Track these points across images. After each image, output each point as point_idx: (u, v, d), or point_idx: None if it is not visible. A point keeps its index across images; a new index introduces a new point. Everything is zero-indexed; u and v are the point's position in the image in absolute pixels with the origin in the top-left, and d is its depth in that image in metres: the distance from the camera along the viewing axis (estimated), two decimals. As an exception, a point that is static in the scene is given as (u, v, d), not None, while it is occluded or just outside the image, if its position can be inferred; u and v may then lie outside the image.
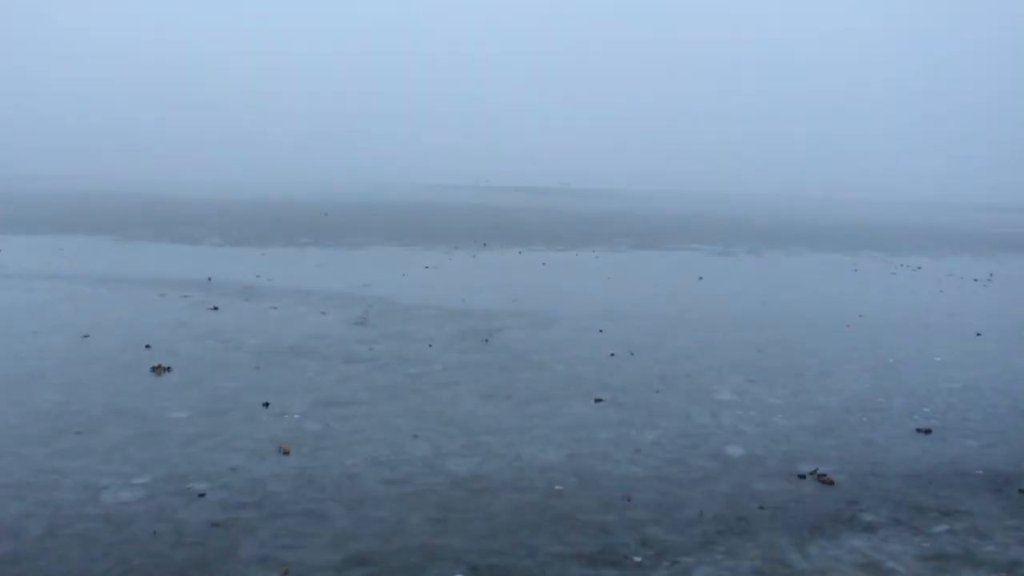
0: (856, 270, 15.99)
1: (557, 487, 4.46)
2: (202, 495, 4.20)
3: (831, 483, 4.61)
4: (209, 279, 11.87)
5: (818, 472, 4.75)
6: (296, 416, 5.50)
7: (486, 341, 8.07)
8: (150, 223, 23.69)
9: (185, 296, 10.33)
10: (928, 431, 5.59)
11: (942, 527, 4.11)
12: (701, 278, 13.81)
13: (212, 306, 9.62)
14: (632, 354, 7.63)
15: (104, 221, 24.05)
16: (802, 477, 4.69)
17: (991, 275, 15.85)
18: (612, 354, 7.61)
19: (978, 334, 9.29)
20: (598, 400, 6.08)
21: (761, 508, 4.25)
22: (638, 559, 3.67)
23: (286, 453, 4.80)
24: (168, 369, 6.61)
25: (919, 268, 16.70)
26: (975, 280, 14.91)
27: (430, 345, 7.80)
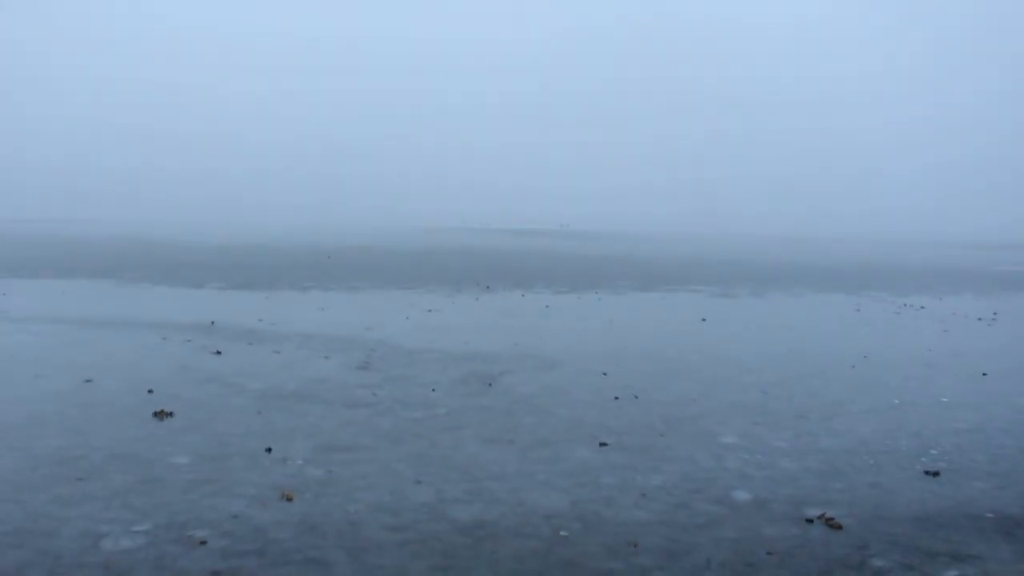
0: (859, 310, 15.98)
1: (562, 533, 4.42)
2: (203, 543, 4.17)
3: (839, 527, 4.57)
4: (212, 323, 11.89)
5: (826, 516, 4.70)
6: (298, 462, 5.47)
7: (489, 385, 8.05)
8: (152, 266, 23.79)
9: (188, 340, 10.33)
10: (936, 473, 5.55)
11: (953, 572, 4.06)
12: (703, 320, 13.81)
13: (215, 350, 9.63)
14: (636, 397, 7.61)
15: (105, 264, 24.15)
16: (809, 521, 4.65)
17: (995, 314, 15.84)
18: (616, 397, 7.59)
19: (984, 374, 9.26)
20: (602, 444, 6.04)
21: (769, 554, 4.21)
22: (645, 607, 3.63)
23: (288, 499, 4.77)
24: (170, 414, 6.60)
25: (922, 308, 16.69)
26: (979, 319, 14.89)
27: (433, 389, 7.78)
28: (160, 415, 6.56)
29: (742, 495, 5.04)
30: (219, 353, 9.48)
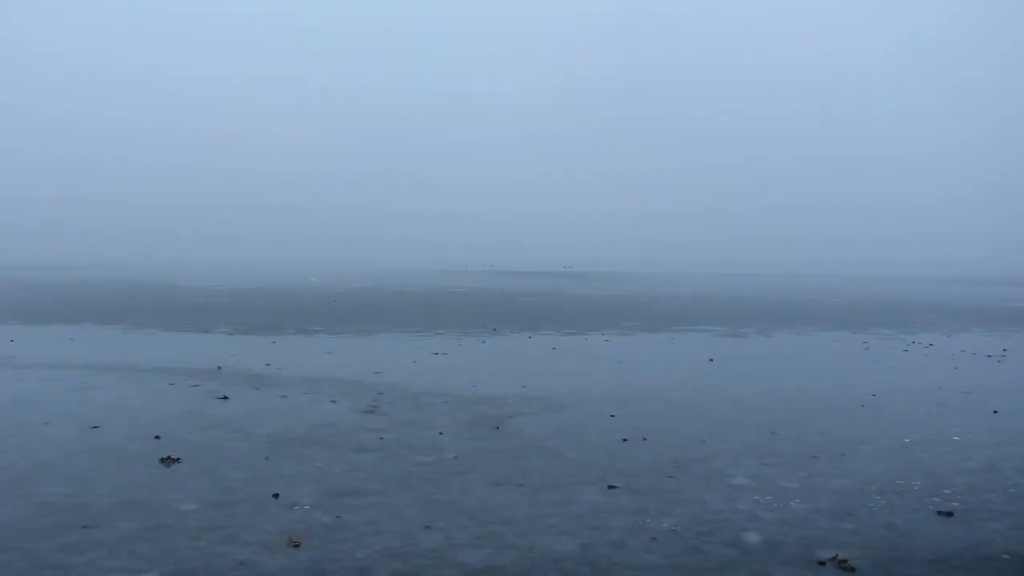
0: (867, 348, 15.93)
1: (572, 578, 4.37)
2: (211, 590, 4.14)
3: (852, 569, 4.51)
4: (219, 368, 11.90)
5: (838, 558, 4.65)
6: (306, 507, 5.45)
7: (497, 428, 8.03)
8: (159, 311, 23.89)
9: (195, 385, 10.34)
10: (950, 513, 5.49)
11: (969, 615, 4.00)
12: (711, 360, 13.77)
13: (222, 395, 9.63)
14: (644, 439, 7.57)
15: (112, 309, 24.26)
16: (822, 564, 4.59)
17: (1005, 350, 15.76)
18: (624, 440, 7.55)
19: (995, 412, 9.20)
20: (611, 487, 6.01)
21: (782, 597, 4.15)
22: (657, 653, 3.58)
23: (296, 546, 4.75)
24: (177, 460, 6.59)
25: (931, 345, 16.63)
26: (988, 356, 14.82)
27: (441, 433, 7.76)
28: (167, 461, 6.55)
29: (753, 537, 5.00)
30: (226, 398, 9.48)
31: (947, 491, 6.03)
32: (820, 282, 58.39)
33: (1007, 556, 4.77)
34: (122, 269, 69.51)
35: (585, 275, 71.04)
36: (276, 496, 5.67)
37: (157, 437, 7.39)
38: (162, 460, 6.58)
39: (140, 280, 48.28)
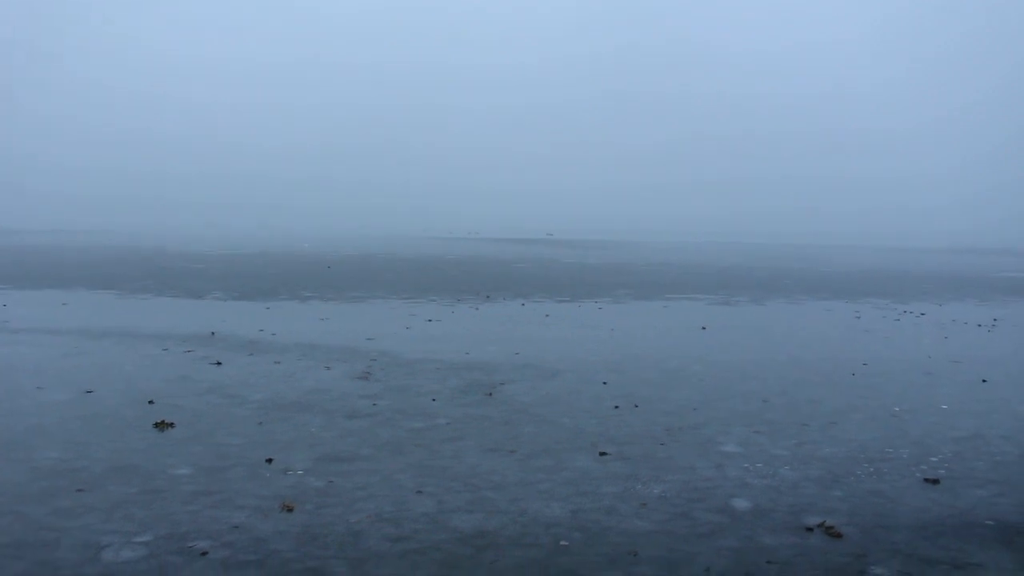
0: (859, 317, 15.99)
1: (562, 543, 4.43)
2: (204, 553, 4.18)
3: (839, 536, 4.58)
4: (212, 333, 11.90)
5: (826, 524, 4.71)
6: (299, 472, 5.49)
7: (490, 395, 8.06)
8: (152, 276, 23.82)
9: (188, 351, 10.35)
10: (936, 481, 5.56)
11: (953, 580, 4.06)
12: (704, 328, 13.82)
13: (215, 361, 9.64)
14: (636, 406, 7.62)
15: (106, 274, 24.18)
16: (809, 530, 4.65)
17: (995, 320, 15.85)
18: (616, 407, 7.60)
19: (984, 381, 9.28)
20: (603, 454, 6.06)
21: (769, 563, 4.22)
22: (645, 616, 3.63)
23: (289, 510, 4.78)
24: (171, 425, 6.61)
25: (923, 314, 16.70)
26: (979, 326, 14.90)
27: (433, 399, 7.80)
28: (161, 426, 6.58)
29: (743, 504, 5.05)
30: (220, 364, 9.49)
31: (934, 459, 6.10)
32: (814, 252, 58.44)
33: (991, 522, 4.84)
34: (119, 235, 69.21)
35: (569, 243, 70.85)
36: (269, 461, 5.70)
37: (151, 402, 7.41)
38: (156, 425, 6.60)
39: (134, 245, 48.08)
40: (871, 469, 5.82)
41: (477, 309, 16.45)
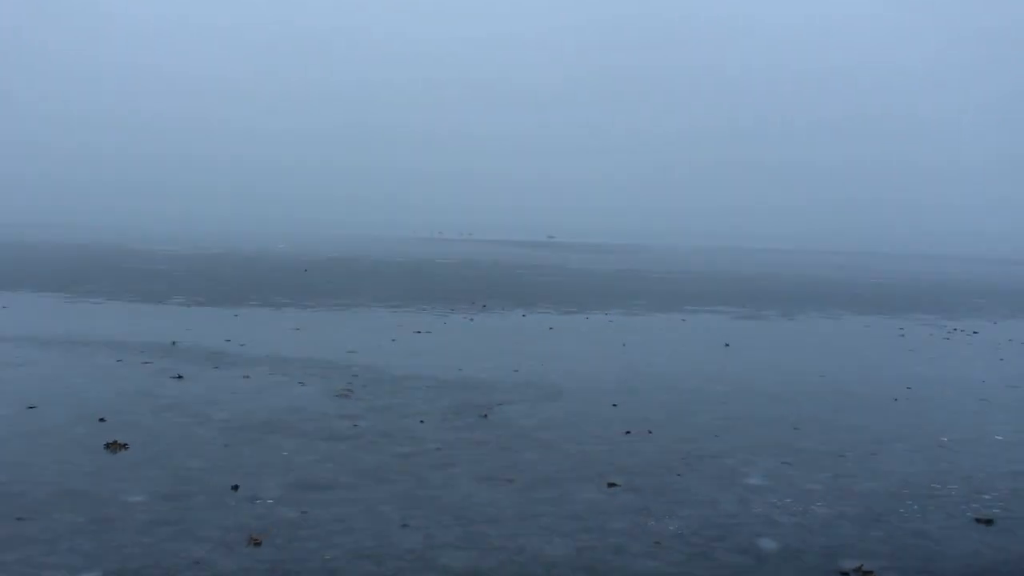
0: (904, 335, 15.99)
1: (565, 585, 4.41)
2: (160, 592, 4.16)
3: (879, 582, 4.55)
4: (173, 343, 11.89)
5: (863, 569, 4.69)
6: (269, 501, 5.47)
7: (485, 417, 8.05)
8: (107, 278, 23.81)
9: (146, 362, 10.34)
10: (989, 521, 5.54)
11: (1007, 634, 4.04)
12: (727, 345, 13.81)
13: (176, 374, 9.63)
14: (650, 432, 7.61)
15: (54, 275, 24.17)
16: (845, 574, 4.64)
17: (1056, 342, 15.84)
18: (627, 432, 7.59)
19: (1043, 410, 9.26)
20: (611, 484, 6.04)
21: (799, 611, 4.19)
22: (658, 670, 3.61)
23: (257, 544, 4.76)
24: (124, 446, 6.59)
25: (975, 333, 16.69)
26: (1038, 348, 14.89)
27: (422, 421, 7.78)
28: (113, 447, 6.56)
29: (769, 544, 5.03)
30: (181, 377, 9.48)
31: (987, 496, 6.08)
32: (850, 259, 58.54)
33: (1051, 569, 4.82)
34: (66, 230, 69.19)
35: (574, 246, 70.82)
36: (236, 488, 5.68)
37: (102, 420, 7.39)
38: (107, 446, 6.58)
39: (88, 242, 48.10)
40: (916, 507, 5.80)
41: (472, 320, 16.44)
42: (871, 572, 4.66)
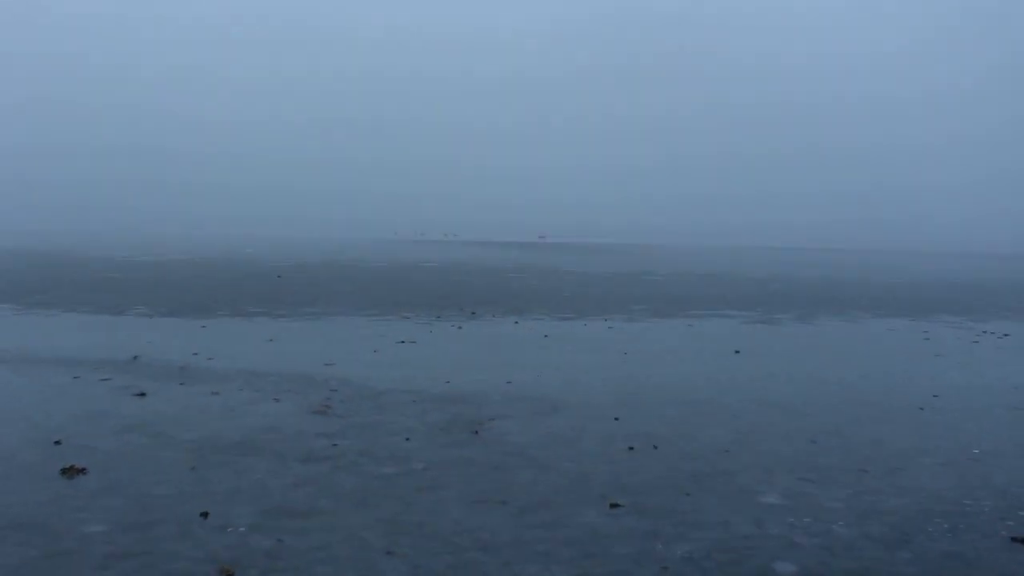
0: (929, 339, 16.04)
1: (566, 616, 4.39)
2: (123, 631, 4.13)
3: (907, 608, 4.55)
4: (135, 358, 11.85)
5: (891, 594, 4.69)
6: (242, 529, 5.44)
7: (476, 433, 8.04)
8: (62, 287, 23.73)
9: (105, 379, 10.30)
10: (1025, 541, 5.54)
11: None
12: (738, 352, 13.83)
13: (138, 391, 9.60)
14: (655, 448, 7.60)
15: (3, 285, 24.08)
16: (871, 601, 4.63)
17: (1093, 345, 15.90)
18: (631, 448, 7.58)
19: (1081, 418, 9.29)
20: (614, 506, 6.03)
21: (821, 641, 4.19)
22: None
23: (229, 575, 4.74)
24: (82, 471, 6.56)
25: (1006, 335, 16.75)
26: (1074, 351, 14.95)
27: (407, 439, 7.76)
28: (69, 472, 6.52)
29: (787, 568, 5.03)
30: (143, 395, 9.44)
31: (1023, 513, 6.09)
32: (868, 258, 58.80)
33: (1094, 592, 4.82)
34: (15, 236, 69.07)
35: (568, 246, 70.92)
36: (205, 515, 5.65)
37: (57, 443, 7.35)
38: (63, 471, 6.55)
39: (42, 250, 48.00)
40: (945, 525, 5.80)
41: (460, 328, 16.43)
42: (899, 597, 4.65)
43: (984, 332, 17.44)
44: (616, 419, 8.69)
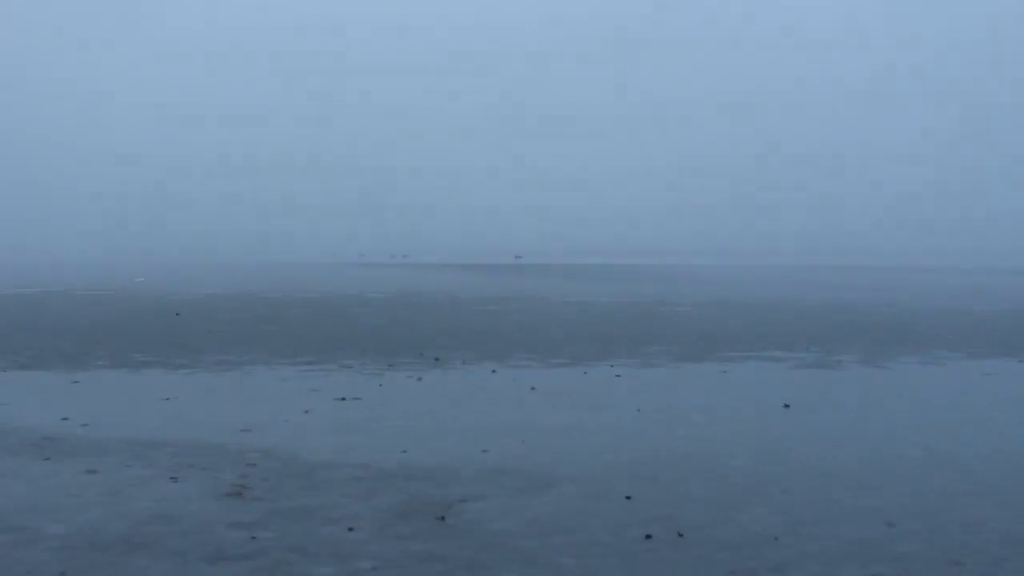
0: (1035, 387, 16.09)
1: None
2: None
3: None
4: (-16, 425, 11.77)
5: None
6: (128, 655, 5.36)
7: (442, 520, 7.99)
8: None
9: (-56, 455, 10.21)
10: None
11: None
12: (787, 406, 13.84)
13: (-11, 470, 9.53)
14: (681, 535, 7.57)
15: None
16: None
17: None
18: (648, 536, 7.55)
19: None
20: (630, 615, 5.99)
21: None
22: None
23: None
24: (-86, 580, 6.47)
25: None
26: None
27: (350, 529, 7.71)
28: None
29: None
30: (-4, 475, 9.38)
31: None
32: (945, 279, 59.28)
33: None
34: None
35: (554, 268, 71.13)
36: (78, 638, 5.57)
37: None
38: None
39: None
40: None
41: (420, 379, 16.39)
42: None
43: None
44: (628, 498, 8.67)
